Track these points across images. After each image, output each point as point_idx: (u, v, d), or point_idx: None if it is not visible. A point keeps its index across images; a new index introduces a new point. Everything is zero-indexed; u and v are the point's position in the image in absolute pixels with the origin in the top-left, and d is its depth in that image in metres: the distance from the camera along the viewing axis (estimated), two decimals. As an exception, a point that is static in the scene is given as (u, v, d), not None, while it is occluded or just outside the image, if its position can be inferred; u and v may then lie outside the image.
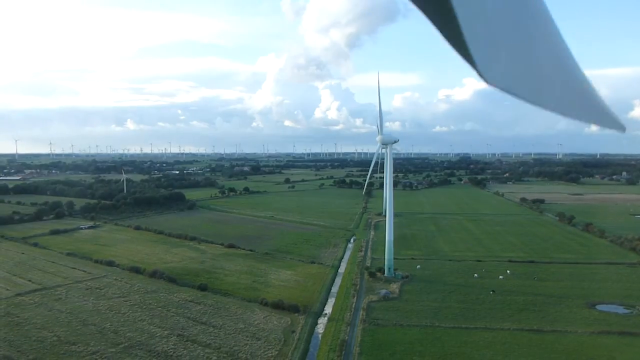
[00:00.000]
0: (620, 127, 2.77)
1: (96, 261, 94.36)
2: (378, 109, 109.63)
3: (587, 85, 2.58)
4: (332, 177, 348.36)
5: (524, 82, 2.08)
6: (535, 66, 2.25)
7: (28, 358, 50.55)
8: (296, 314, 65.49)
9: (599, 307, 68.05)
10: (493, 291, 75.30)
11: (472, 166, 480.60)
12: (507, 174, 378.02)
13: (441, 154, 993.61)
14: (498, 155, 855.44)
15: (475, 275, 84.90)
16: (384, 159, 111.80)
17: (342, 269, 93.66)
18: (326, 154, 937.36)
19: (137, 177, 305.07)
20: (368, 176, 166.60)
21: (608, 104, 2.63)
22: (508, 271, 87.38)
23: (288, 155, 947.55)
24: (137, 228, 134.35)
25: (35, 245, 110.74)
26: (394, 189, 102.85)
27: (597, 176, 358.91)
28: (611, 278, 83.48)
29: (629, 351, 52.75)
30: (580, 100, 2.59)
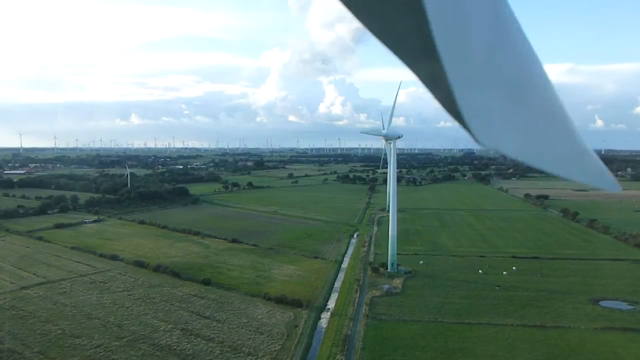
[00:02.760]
0: (617, 188, 2.74)
1: (100, 255, 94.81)
2: (392, 106, 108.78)
3: (584, 146, 2.57)
4: (335, 172, 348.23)
5: (519, 145, 2.11)
6: (531, 130, 2.25)
7: (33, 351, 50.88)
8: (299, 309, 65.61)
9: (602, 303, 67.86)
10: (498, 286, 75.25)
11: (476, 162, 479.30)
12: (511, 170, 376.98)
13: (445, 149, 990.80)
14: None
15: (480, 271, 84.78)
16: (387, 154, 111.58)
17: (345, 264, 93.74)
18: (330, 149, 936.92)
19: (141, 172, 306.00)
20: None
21: (604, 169, 2.62)
22: (514, 267, 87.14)
23: (292, 150, 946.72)
24: (141, 222, 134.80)
25: (40, 239, 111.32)
26: (397, 185, 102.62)
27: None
28: (615, 274, 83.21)
29: (632, 347, 52.58)
30: (578, 162, 2.58)
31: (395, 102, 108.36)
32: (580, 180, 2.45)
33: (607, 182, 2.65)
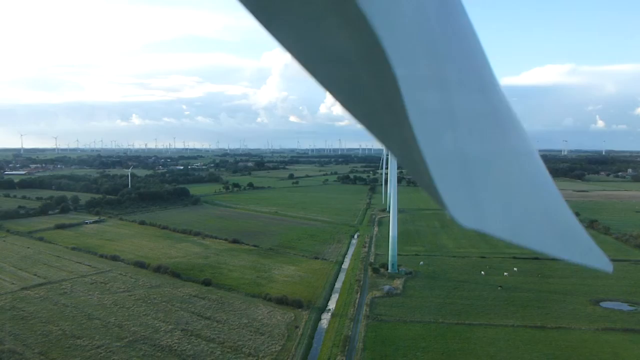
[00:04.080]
0: (608, 266, 2.48)
1: (101, 256, 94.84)
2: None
3: (575, 224, 2.42)
4: (336, 173, 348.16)
5: (502, 224, 1.95)
6: (515, 208, 2.08)
7: (34, 352, 50.93)
8: (300, 310, 65.62)
9: (603, 304, 67.86)
10: (500, 287, 75.25)
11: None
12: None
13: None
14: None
15: (482, 272, 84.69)
16: (388, 154, 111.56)
17: (345, 265, 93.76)
18: (330, 149, 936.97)
19: (141, 172, 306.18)
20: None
21: (595, 245, 2.39)
22: (515, 268, 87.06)
23: (292, 150, 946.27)
24: (142, 223, 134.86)
25: (41, 239, 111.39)
26: (398, 185, 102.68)
27: (602, 173, 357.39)
28: (616, 275, 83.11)
29: (632, 348, 52.59)
30: (569, 241, 2.41)
31: None
32: (574, 260, 2.31)
33: (599, 260, 2.51)
